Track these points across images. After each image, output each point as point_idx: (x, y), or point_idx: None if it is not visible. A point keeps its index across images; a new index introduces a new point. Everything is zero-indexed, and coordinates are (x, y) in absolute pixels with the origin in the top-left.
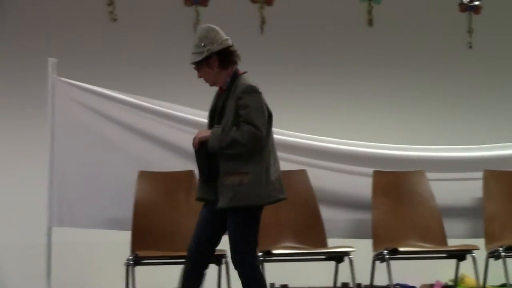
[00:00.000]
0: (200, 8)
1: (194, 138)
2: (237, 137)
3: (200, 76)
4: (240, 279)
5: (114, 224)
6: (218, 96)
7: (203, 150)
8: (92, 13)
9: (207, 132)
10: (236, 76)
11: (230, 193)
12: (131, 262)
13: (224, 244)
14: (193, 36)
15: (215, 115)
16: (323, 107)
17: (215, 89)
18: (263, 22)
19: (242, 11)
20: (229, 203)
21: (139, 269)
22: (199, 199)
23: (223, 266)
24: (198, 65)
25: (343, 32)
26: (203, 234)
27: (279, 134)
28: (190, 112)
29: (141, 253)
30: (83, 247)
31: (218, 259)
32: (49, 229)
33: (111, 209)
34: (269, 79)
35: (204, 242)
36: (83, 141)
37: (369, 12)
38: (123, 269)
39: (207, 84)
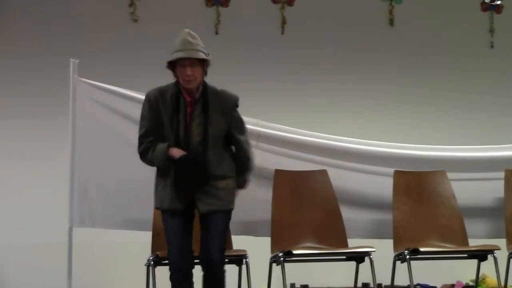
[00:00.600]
0: (221, 9)
1: (191, 157)
2: (252, 156)
3: (191, 73)
4: (214, 277)
5: (135, 225)
6: (187, 103)
7: (189, 164)
8: (113, 13)
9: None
10: (205, 85)
11: (228, 195)
12: (152, 262)
13: (243, 245)
14: (188, 35)
15: (181, 120)
16: (345, 106)
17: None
18: (283, 22)
19: (263, 11)
20: (230, 205)
21: (159, 269)
22: (170, 210)
23: (244, 267)
24: (198, 63)
25: (364, 32)
26: (185, 242)
27: (300, 134)
28: None
29: (161, 254)
30: (104, 247)
31: (239, 260)
32: (70, 230)
33: (132, 210)
34: (290, 78)
35: (188, 248)
36: (104, 142)
37: (390, 12)
38: (144, 270)
39: (228, 84)
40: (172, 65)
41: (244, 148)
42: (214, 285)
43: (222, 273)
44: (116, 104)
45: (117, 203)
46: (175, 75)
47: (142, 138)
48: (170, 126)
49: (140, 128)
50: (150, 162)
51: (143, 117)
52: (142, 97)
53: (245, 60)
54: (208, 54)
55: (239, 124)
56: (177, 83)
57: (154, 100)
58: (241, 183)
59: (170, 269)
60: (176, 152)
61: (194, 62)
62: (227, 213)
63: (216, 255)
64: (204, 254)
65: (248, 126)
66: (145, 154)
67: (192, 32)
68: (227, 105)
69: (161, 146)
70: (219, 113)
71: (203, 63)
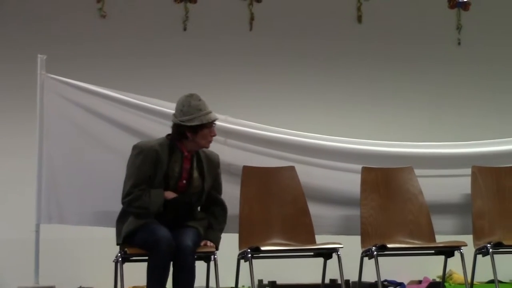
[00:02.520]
0: (189, 5)
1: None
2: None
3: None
4: (185, 262)
5: (103, 221)
6: (184, 158)
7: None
8: (81, 9)
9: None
10: None
11: (203, 227)
12: (120, 259)
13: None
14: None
15: (177, 172)
16: (313, 102)
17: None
18: (252, 18)
19: (231, 8)
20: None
21: (127, 265)
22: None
23: (212, 263)
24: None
25: (332, 29)
26: (166, 231)
27: (268, 130)
28: None
29: (130, 250)
30: (72, 244)
31: (207, 256)
32: (38, 226)
33: (101, 206)
34: (258, 76)
35: (169, 235)
36: (72, 138)
37: (358, 8)
38: (112, 266)
39: (194, 81)
40: (196, 126)
41: (225, 206)
42: (185, 272)
43: (192, 260)
44: (83, 100)
45: (86, 200)
46: (189, 136)
47: (132, 187)
48: (165, 177)
49: (130, 177)
50: (139, 209)
51: (135, 167)
52: (111, 93)
53: (213, 57)
54: None
55: (220, 184)
56: (167, 138)
57: (151, 152)
58: (217, 238)
59: (156, 242)
60: (168, 194)
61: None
62: (200, 235)
63: (188, 243)
64: (176, 242)
65: (216, 123)
66: (135, 201)
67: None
68: (215, 163)
69: (157, 191)
70: (209, 169)
71: None
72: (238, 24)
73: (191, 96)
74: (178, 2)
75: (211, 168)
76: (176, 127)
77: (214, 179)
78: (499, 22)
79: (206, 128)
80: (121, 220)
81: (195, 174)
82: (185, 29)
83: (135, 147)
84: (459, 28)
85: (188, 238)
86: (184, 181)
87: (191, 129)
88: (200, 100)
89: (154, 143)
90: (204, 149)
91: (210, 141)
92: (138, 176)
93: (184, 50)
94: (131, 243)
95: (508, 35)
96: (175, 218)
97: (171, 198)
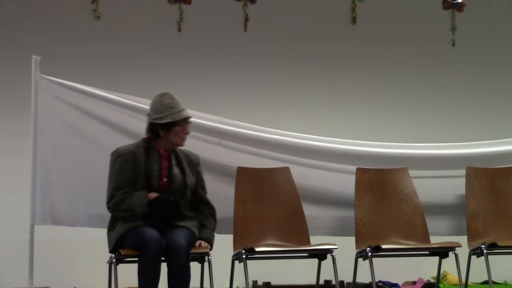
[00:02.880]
0: (184, 6)
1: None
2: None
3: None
4: (179, 261)
5: (97, 222)
6: (161, 156)
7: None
8: (75, 10)
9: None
10: None
11: (194, 227)
12: (114, 260)
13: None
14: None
15: (157, 170)
16: (307, 103)
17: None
18: (246, 19)
19: (226, 9)
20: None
21: (121, 267)
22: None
23: (206, 264)
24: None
25: (327, 30)
26: (155, 232)
27: (262, 131)
28: None
29: (124, 251)
30: (67, 245)
31: (201, 257)
32: (32, 227)
33: (95, 207)
34: (252, 76)
35: (157, 236)
36: (66, 138)
37: (353, 9)
38: (107, 266)
39: (189, 81)
40: (168, 124)
41: (212, 204)
42: (179, 271)
43: (186, 259)
44: (78, 101)
45: (80, 201)
46: (162, 133)
47: (115, 191)
48: (146, 177)
49: (111, 182)
50: (125, 212)
51: (115, 171)
52: (105, 94)
53: (207, 58)
54: None
55: (203, 182)
56: (144, 140)
57: (128, 155)
58: (211, 238)
59: (144, 244)
60: (151, 195)
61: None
62: (193, 235)
63: (180, 241)
64: (169, 243)
65: (210, 124)
66: (120, 204)
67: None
68: (195, 162)
69: (140, 192)
70: (189, 166)
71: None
72: (232, 25)
73: (163, 95)
74: (172, 3)
75: (191, 165)
76: (150, 126)
77: (197, 177)
78: (493, 23)
79: (178, 125)
80: (111, 229)
81: (175, 170)
82: (179, 30)
83: (113, 153)
84: (453, 29)
85: (180, 237)
86: (165, 179)
87: (163, 127)
88: (173, 99)
89: (130, 146)
90: (183, 149)
91: (184, 139)
92: (119, 179)
93: (178, 51)
94: (123, 247)
95: (502, 36)
96: (163, 219)
97: (154, 197)
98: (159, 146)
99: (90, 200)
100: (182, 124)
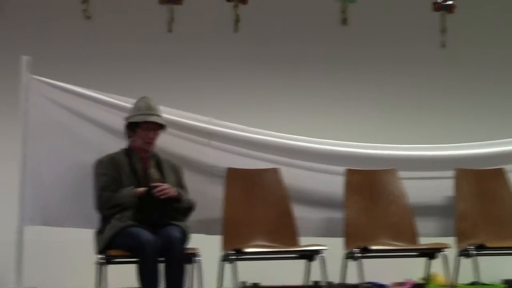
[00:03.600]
0: (175, 7)
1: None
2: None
3: (153, 137)
4: (175, 253)
5: (87, 223)
6: (140, 159)
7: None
8: (66, 10)
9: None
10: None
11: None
12: (102, 261)
13: (195, 243)
14: (151, 101)
15: (140, 170)
16: (297, 105)
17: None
18: (237, 20)
19: (217, 9)
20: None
21: (114, 267)
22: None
23: (195, 265)
24: (158, 128)
25: (317, 31)
26: (149, 234)
27: (252, 132)
28: (167, 111)
29: (113, 252)
30: (56, 245)
31: (190, 258)
32: (20, 228)
33: (84, 208)
34: (243, 78)
35: (153, 238)
36: (56, 139)
37: (344, 11)
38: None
39: (179, 82)
40: (133, 125)
41: (192, 199)
42: (176, 263)
43: (182, 251)
44: (68, 102)
45: (69, 201)
46: (130, 134)
47: (101, 191)
48: (132, 174)
49: (97, 184)
50: (115, 207)
51: (99, 175)
52: (95, 95)
53: (198, 58)
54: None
55: (186, 186)
56: (126, 148)
57: (108, 159)
58: (181, 193)
59: (141, 248)
60: (140, 190)
61: (156, 127)
62: (184, 231)
63: (176, 234)
64: (164, 237)
65: (199, 124)
66: (108, 202)
67: (149, 98)
68: (176, 167)
69: (127, 188)
70: (171, 170)
71: (161, 129)
72: (223, 26)
73: (142, 98)
74: (163, 4)
75: (172, 170)
76: (125, 125)
77: (179, 179)
78: (484, 25)
79: (140, 128)
80: (101, 231)
81: (152, 170)
82: (170, 30)
83: (94, 163)
84: (444, 30)
85: (175, 231)
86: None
87: (130, 127)
88: (146, 102)
89: (110, 154)
90: (167, 159)
91: (148, 143)
92: (103, 180)
93: (169, 51)
94: (114, 248)
95: (492, 38)
96: (154, 216)
97: (142, 190)
98: (136, 149)
99: (80, 201)
100: (145, 128)
